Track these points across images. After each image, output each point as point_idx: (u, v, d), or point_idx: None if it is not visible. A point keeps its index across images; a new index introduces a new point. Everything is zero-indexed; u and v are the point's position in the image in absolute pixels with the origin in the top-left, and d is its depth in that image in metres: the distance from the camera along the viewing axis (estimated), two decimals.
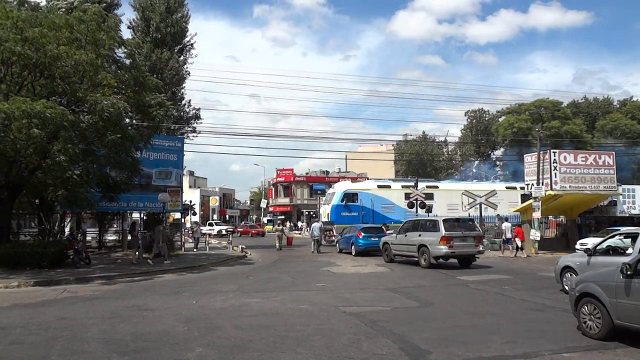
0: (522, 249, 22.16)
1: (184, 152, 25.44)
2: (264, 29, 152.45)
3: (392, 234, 20.84)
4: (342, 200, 30.34)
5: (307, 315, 8.85)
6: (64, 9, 21.72)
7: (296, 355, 6.27)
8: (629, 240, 10.86)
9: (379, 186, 31.60)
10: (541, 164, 24.31)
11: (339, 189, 31.82)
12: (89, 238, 26.17)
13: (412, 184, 30.71)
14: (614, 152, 26.62)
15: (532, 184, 24.14)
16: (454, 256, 16.76)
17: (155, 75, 24.36)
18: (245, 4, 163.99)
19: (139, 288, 12.66)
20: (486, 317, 8.69)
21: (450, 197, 31.59)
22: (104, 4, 24.89)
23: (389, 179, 34.83)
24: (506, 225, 22.78)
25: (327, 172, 65.65)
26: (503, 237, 23.15)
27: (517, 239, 22.16)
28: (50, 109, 13.61)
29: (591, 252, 10.47)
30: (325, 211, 32.28)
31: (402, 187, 31.32)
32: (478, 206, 26.90)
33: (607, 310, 6.66)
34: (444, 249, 16.25)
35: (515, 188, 33.72)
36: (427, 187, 31.36)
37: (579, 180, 23.86)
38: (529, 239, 24.02)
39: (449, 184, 34.62)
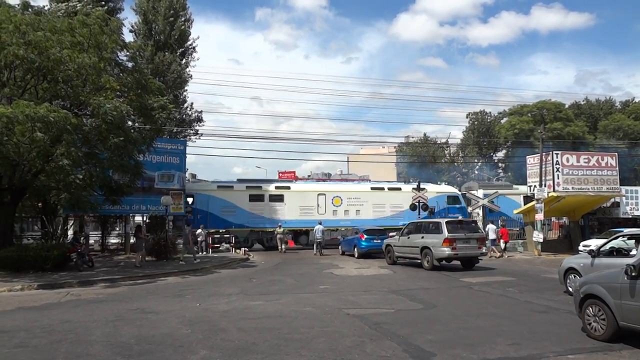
0: (505, 249, 22.96)
1: (186, 155, 25.51)
2: (266, 32, 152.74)
3: (394, 236, 20.80)
4: None
5: (311, 317, 8.84)
6: (63, 10, 21.81)
7: (300, 358, 6.26)
8: (633, 241, 10.84)
9: (219, 187, 28.19)
10: (544, 166, 24.29)
11: None
12: (91, 241, 26.24)
13: (259, 185, 28.63)
14: (616, 154, 26.58)
15: (535, 186, 24.12)
16: (457, 258, 16.72)
17: (157, 78, 24.48)
18: (247, 7, 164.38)
19: (142, 291, 12.66)
20: (490, 319, 8.68)
21: (304, 199, 28.86)
22: (107, 8, 25.00)
23: (237, 180, 30.36)
24: (490, 227, 22.89)
25: (329, 175, 65.63)
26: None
27: (501, 240, 22.94)
28: (53, 113, 13.66)
29: (595, 253, 10.44)
30: None
31: (247, 187, 28.38)
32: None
33: (611, 312, 6.65)
34: (447, 250, 16.23)
35: (383, 189, 31.04)
36: (277, 187, 29.03)
37: (582, 182, 23.83)
38: (531, 240, 24.07)
39: (303, 185, 31.79)
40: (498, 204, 28.46)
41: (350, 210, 29.26)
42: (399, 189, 31.41)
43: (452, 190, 32.81)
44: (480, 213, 29.03)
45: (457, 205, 30.75)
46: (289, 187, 29.50)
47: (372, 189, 30.89)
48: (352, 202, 29.46)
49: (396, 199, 30.32)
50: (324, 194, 29.19)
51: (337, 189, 30.23)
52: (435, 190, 31.41)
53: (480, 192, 30.36)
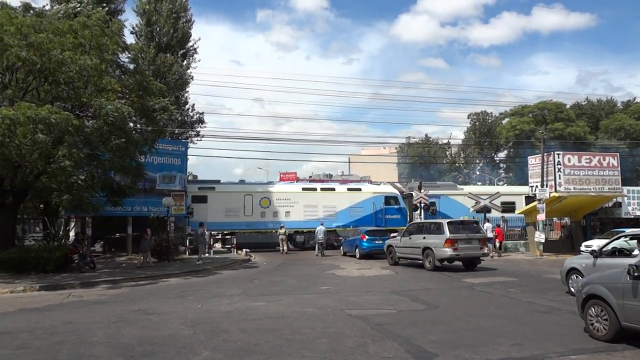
0: (500, 249, 23.29)
1: (188, 156, 25.51)
2: (267, 33, 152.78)
3: (396, 237, 20.81)
4: None
5: (313, 318, 8.84)
6: (62, 12, 21.86)
7: (302, 359, 6.26)
8: (635, 241, 10.82)
9: None
10: (545, 166, 24.27)
11: None
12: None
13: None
14: (618, 154, 26.54)
15: (537, 186, 24.11)
16: (458, 259, 16.70)
17: (158, 80, 24.49)
18: (248, 9, 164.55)
19: (144, 292, 12.68)
20: (492, 319, 8.66)
21: (229, 200, 27.57)
22: (107, 9, 25.04)
23: None
24: (487, 226, 22.97)
25: (331, 176, 65.61)
26: None
27: (497, 240, 23.19)
28: (55, 114, 13.70)
29: (597, 253, 10.43)
30: None
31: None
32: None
33: (614, 312, 6.64)
34: (448, 251, 16.21)
35: (315, 189, 29.97)
36: (200, 188, 27.71)
37: (584, 182, 23.81)
38: (533, 241, 24.05)
39: (228, 186, 29.91)
40: (440, 205, 28.46)
41: (280, 212, 28.04)
42: (333, 189, 30.32)
43: (390, 190, 31.10)
44: (422, 214, 28.82)
45: (395, 206, 29.46)
46: (213, 188, 28.13)
47: (304, 189, 29.71)
48: (282, 203, 28.27)
49: (329, 200, 29.11)
50: (251, 195, 27.99)
51: (264, 190, 29.05)
52: (372, 191, 30.12)
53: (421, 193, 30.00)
